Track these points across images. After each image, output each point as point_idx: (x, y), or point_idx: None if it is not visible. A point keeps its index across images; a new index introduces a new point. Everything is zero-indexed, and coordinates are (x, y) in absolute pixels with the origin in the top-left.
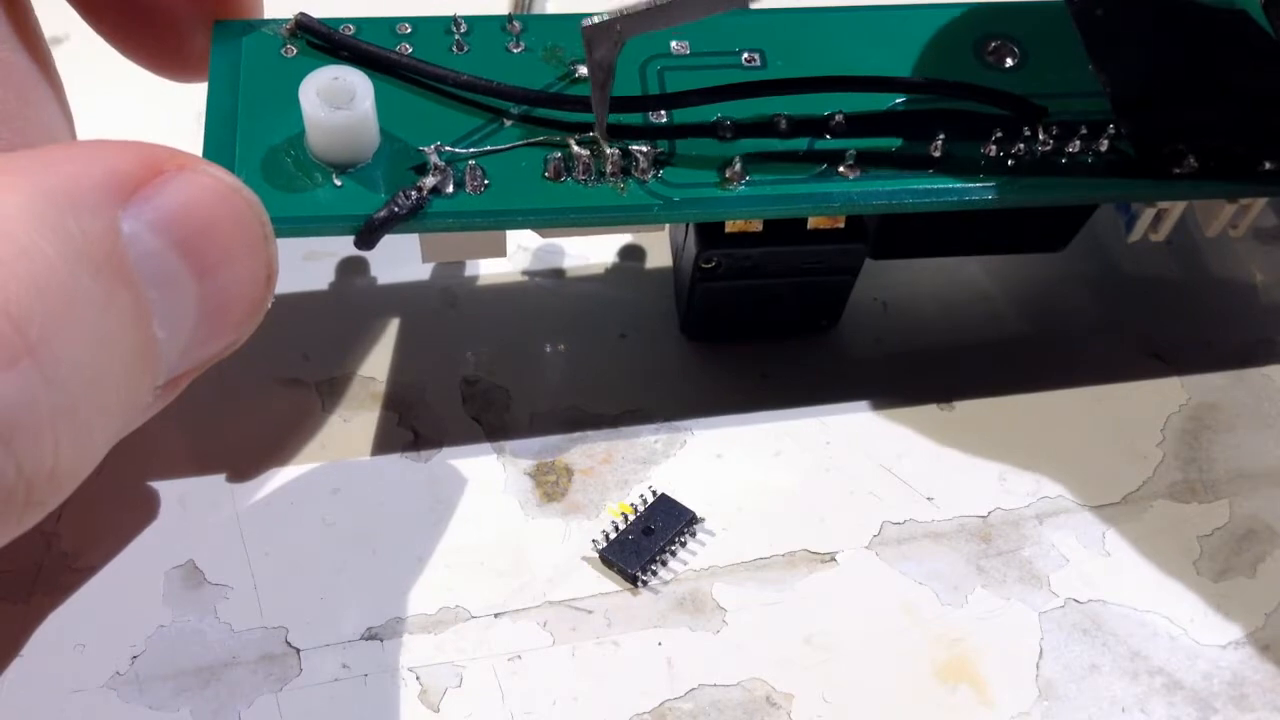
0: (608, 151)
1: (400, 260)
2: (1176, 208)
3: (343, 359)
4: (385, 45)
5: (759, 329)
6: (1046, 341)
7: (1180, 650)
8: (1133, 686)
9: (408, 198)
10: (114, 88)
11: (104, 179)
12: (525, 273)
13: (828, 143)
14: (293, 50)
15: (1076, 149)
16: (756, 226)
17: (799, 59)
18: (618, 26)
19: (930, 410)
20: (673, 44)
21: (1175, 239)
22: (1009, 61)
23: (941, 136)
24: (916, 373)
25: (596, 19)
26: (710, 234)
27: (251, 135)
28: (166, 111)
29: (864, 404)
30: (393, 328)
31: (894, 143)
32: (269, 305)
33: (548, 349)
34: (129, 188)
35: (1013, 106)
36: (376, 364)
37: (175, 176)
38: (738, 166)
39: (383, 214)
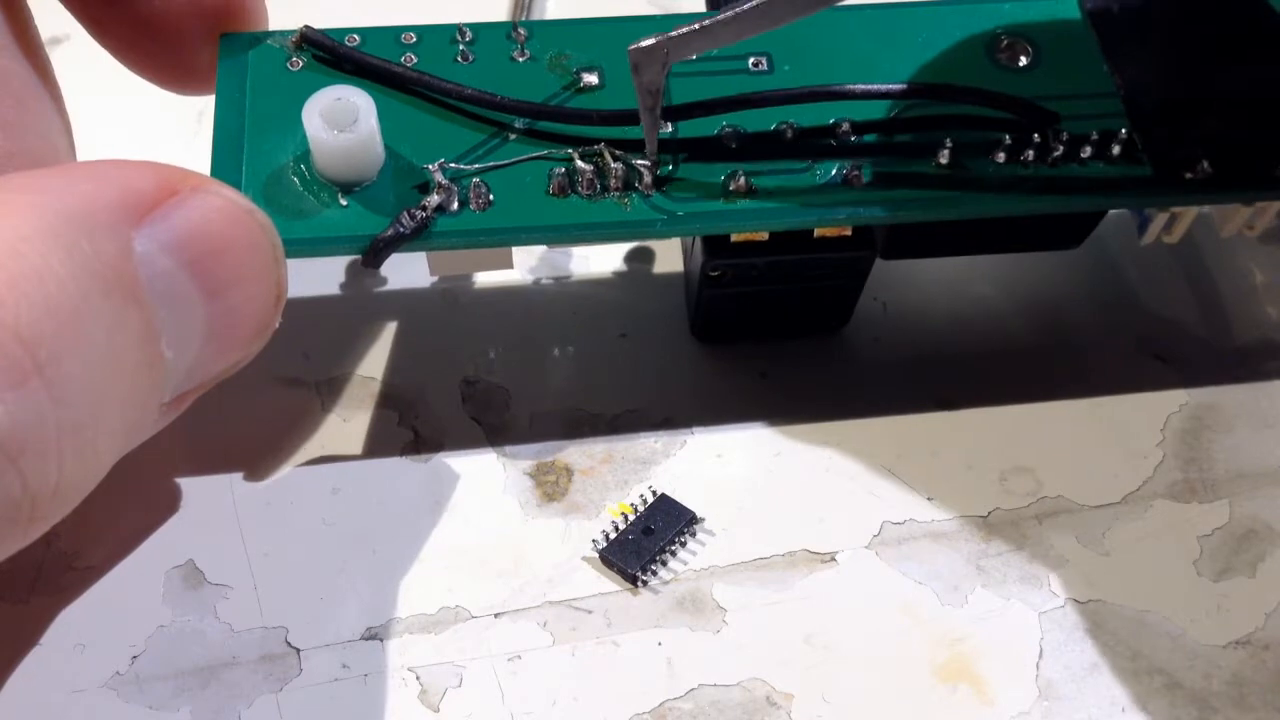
0: (611, 165)
1: (401, 260)
2: (1190, 211)
3: (343, 358)
4: (390, 56)
5: (768, 331)
6: (1046, 341)
7: (1180, 650)
8: (1133, 686)
9: (413, 217)
10: (115, 88)
11: (118, 199)
12: (526, 273)
13: (834, 152)
14: (298, 63)
15: (1088, 155)
16: (763, 236)
17: (807, 62)
18: (665, 49)
19: (930, 410)
20: None
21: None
22: (1022, 60)
23: (949, 144)
24: (917, 373)
25: (644, 42)
26: (717, 244)
27: (258, 154)
28: (167, 112)
29: (864, 404)
30: (393, 327)
31: (901, 151)
32: (277, 325)
33: (548, 349)
34: (143, 208)
35: (1023, 112)
36: (376, 364)
37: (189, 197)
38: (742, 180)
39: (388, 234)
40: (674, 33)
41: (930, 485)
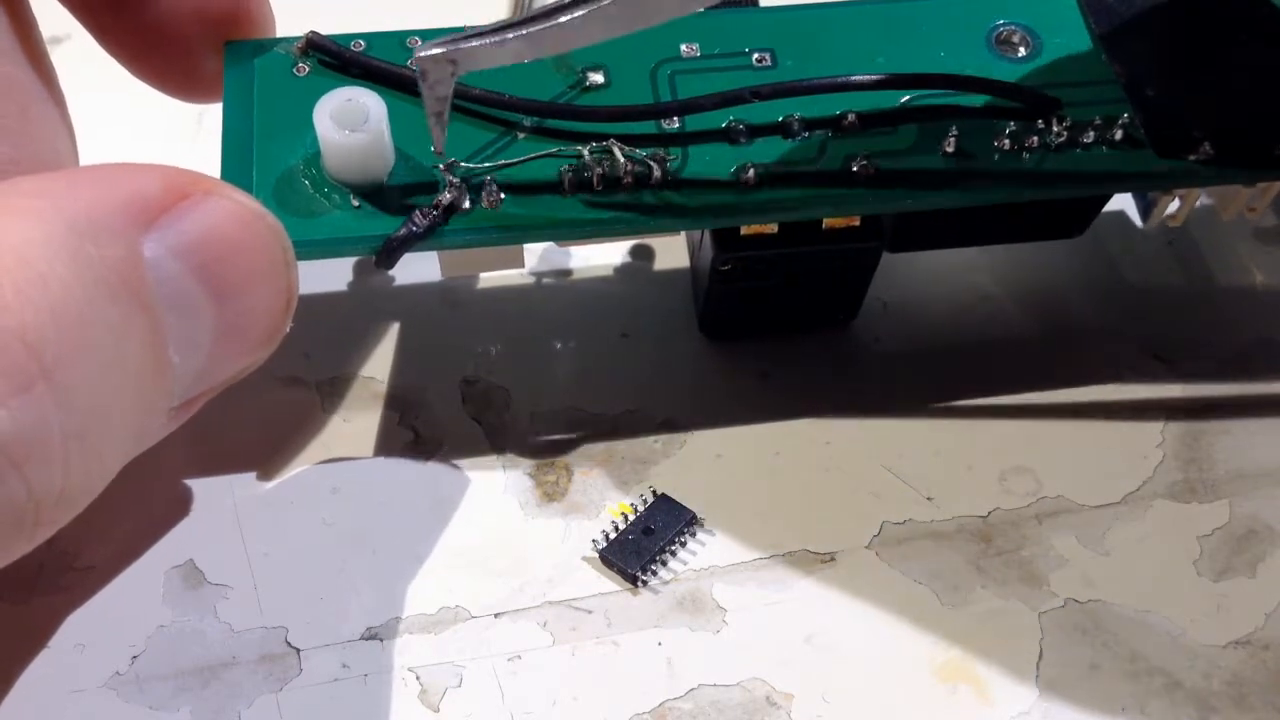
0: (621, 161)
1: (402, 260)
2: (1193, 193)
3: (343, 358)
4: (396, 60)
5: (776, 325)
6: (1047, 341)
7: (1180, 650)
8: (1133, 686)
9: (425, 217)
10: (116, 86)
11: (127, 203)
12: (526, 272)
13: (841, 143)
14: (305, 69)
15: (1091, 140)
16: (772, 228)
17: (810, 57)
18: (453, 59)
19: (930, 410)
20: (682, 47)
21: (1176, 239)
22: (1022, 50)
23: (954, 133)
24: (916, 373)
25: (431, 51)
26: (726, 237)
27: (268, 158)
28: (168, 112)
29: (864, 404)
30: (394, 327)
31: (907, 141)
32: (287, 329)
33: (548, 348)
34: (152, 212)
35: (1026, 100)
36: (377, 364)
37: (200, 201)
38: (751, 172)
39: (401, 234)
40: (463, 45)
41: (930, 485)
